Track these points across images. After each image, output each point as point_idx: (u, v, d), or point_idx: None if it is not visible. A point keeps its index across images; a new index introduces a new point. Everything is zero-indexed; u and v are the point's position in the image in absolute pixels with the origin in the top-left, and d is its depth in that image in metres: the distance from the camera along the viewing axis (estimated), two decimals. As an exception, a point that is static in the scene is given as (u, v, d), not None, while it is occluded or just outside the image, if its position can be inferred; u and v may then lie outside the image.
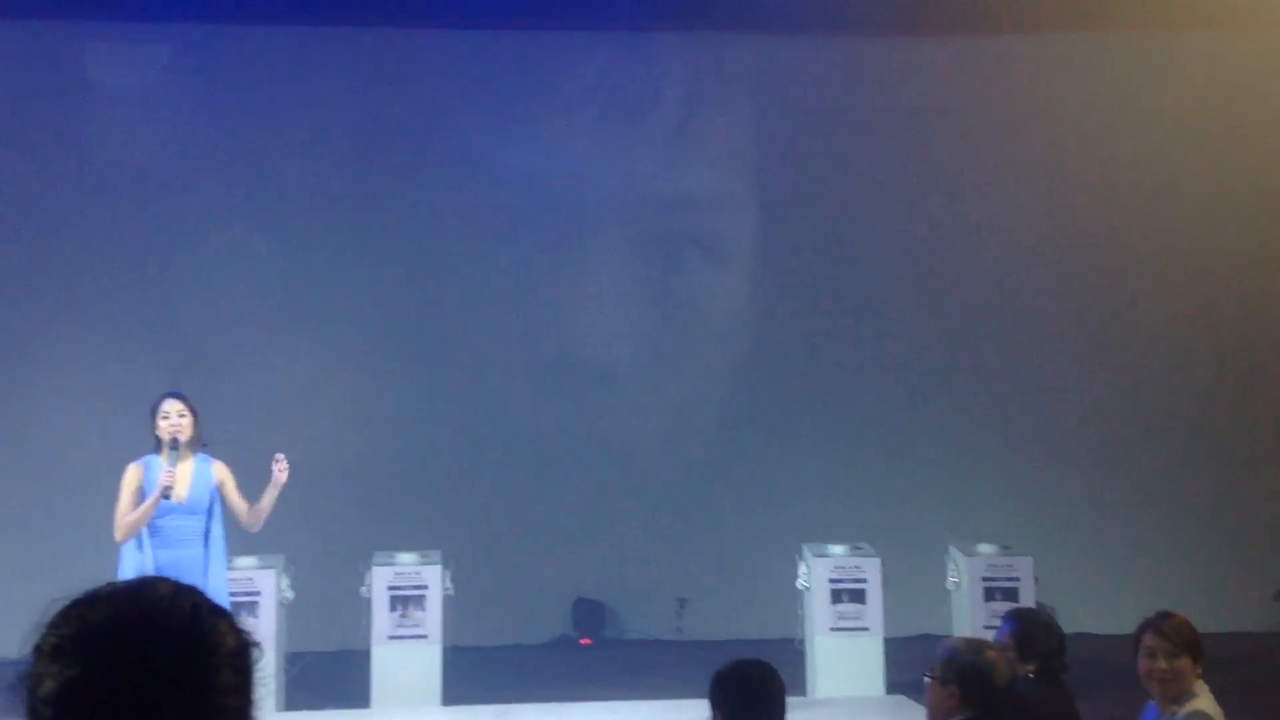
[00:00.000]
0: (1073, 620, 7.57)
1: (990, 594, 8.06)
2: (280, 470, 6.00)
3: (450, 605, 7.93)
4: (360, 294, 9.60)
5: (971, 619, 7.89)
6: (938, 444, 9.79)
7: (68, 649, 1.27)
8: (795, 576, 8.18)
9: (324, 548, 8.39)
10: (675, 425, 9.79)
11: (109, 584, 1.35)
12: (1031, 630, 4.16)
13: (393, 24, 9.53)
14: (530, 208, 9.71)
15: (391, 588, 7.82)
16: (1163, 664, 3.67)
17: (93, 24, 9.41)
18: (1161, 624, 3.72)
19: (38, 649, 1.29)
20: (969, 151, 10.00)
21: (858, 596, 8.03)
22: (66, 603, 1.32)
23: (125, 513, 5.91)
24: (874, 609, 7.99)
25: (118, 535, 5.93)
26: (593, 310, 9.74)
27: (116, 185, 9.46)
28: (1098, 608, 8.86)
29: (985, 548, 8.27)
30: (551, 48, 9.81)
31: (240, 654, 1.32)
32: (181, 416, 5.94)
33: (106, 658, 1.26)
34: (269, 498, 6.04)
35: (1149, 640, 3.70)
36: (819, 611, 7.99)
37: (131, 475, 5.99)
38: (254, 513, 6.06)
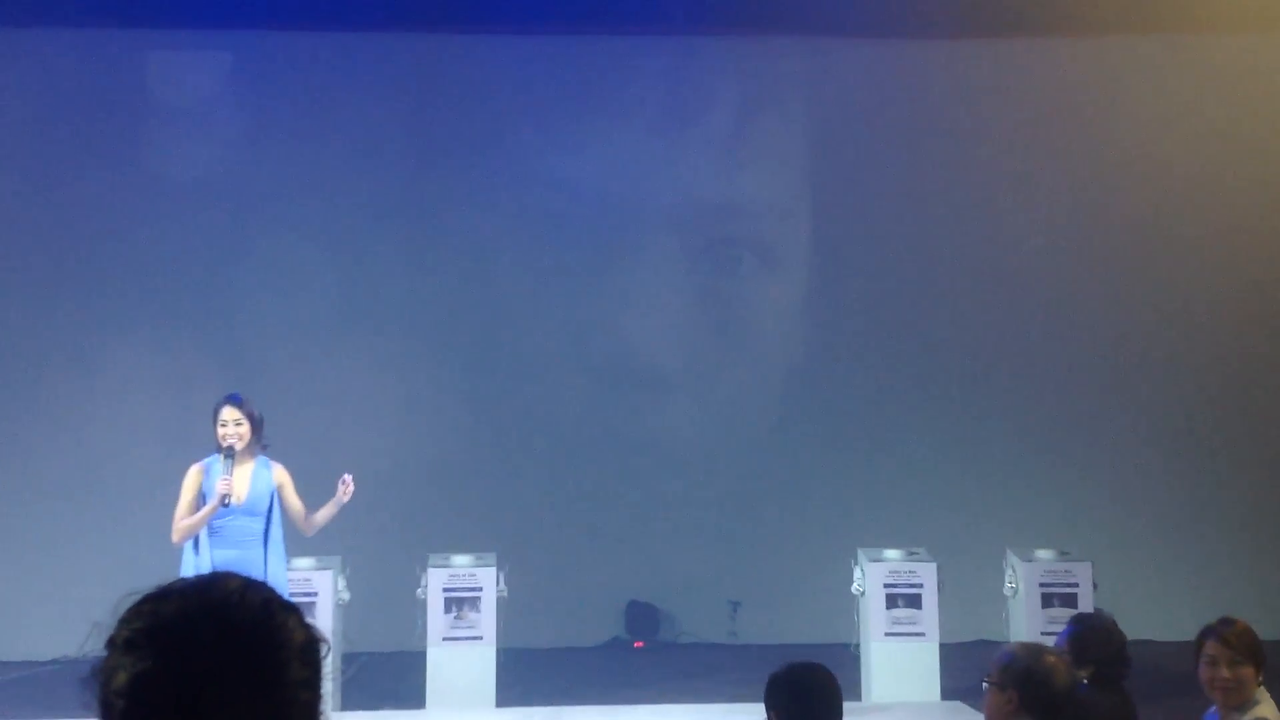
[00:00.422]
0: (1133, 626, 7.40)
1: (1048, 600, 7.98)
2: (345, 492, 6.10)
3: (504, 607, 7.95)
4: (415, 299, 9.65)
5: (1029, 625, 7.80)
6: (995, 448, 9.71)
7: (140, 642, 1.29)
8: (850, 581, 8.13)
9: (380, 549, 8.45)
10: (729, 428, 9.77)
11: (179, 579, 1.38)
12: (1087, 634, 4.11)
13: (446, 30, 9.57)
14: (583, 213, 9.73)
15: (446, 589, 7.86)
16: (1225, 671, 3.62)
17: (151, 32, 9.51)
18: (1224, 631, 3.67)
19: (111, 642, 1.31)
20: (1022, 154, 9.91)
21: (913, 601, 7.97)
22: (138, 597, 1.34)
23: (183, 515, 6.02)
24: (930, 614, 7.93)
25: (174, 537, 6.04)
26: (646, 314, 9.74)
27: (175, 192, 9.56)
28: (1158, 614, 8.75)
29: (1043, 553, 8.18)
30: (604, 53, 9.81)
31: (309, 648, 1.35)
32: (239, 425, 6.04)
33: (179, 650, 1.28)
34: (326, 513, 6.17)
35: (1211, 647, 3.65)
36: (874, 616, 7.94)
37: (192, 477, 6.10)
38: (310, 520, 6.18)
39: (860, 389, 9.79)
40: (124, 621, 1.32)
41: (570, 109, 9.75)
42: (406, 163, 9.72)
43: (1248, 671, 3.62)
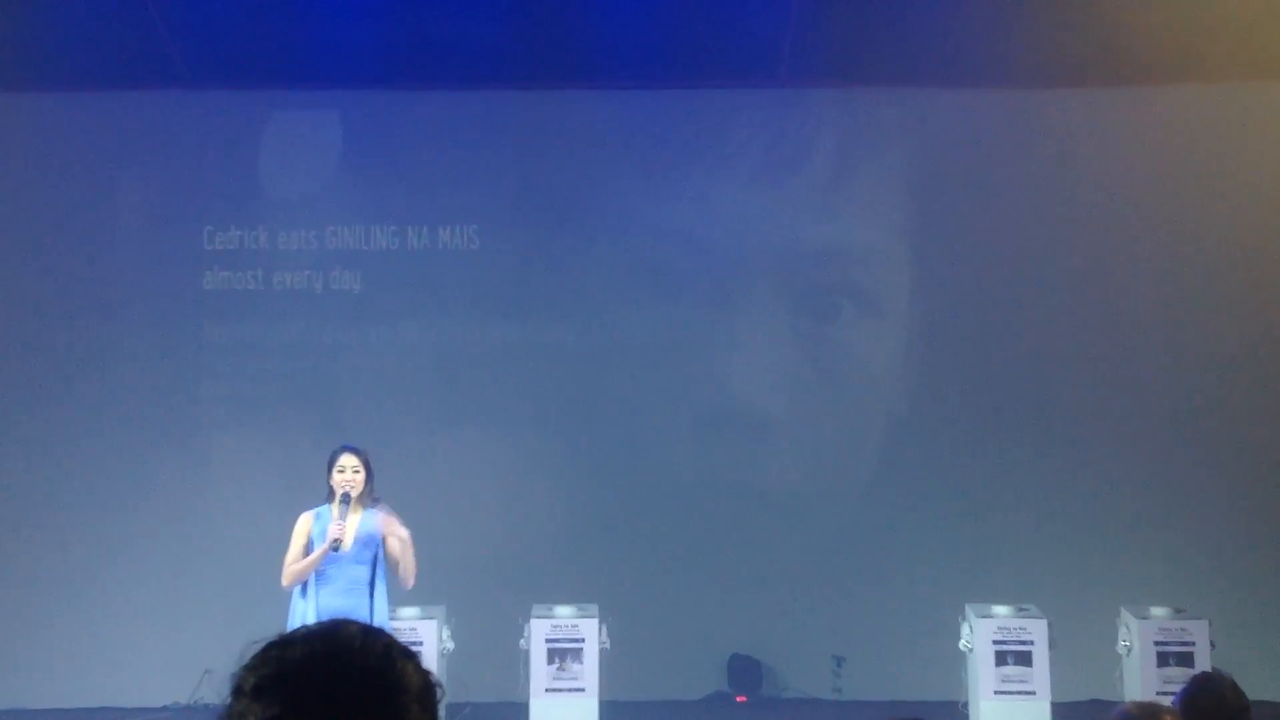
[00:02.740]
0: (1253, 687, 7.21)
1: (1164, 659, 7.77)
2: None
3: (607, 659, 7.94)
4: (518, 349, 9.74)
5: (1144, 684, 7.60)
6: (1109, 501, 9.48)
7: (267, 688, 1.33)
8: (958, 637, 8.00)
9: (484, 599, 8.49)
10: (832, 478, 9.68)
11: (302, 627, 1.43)
12: (1204, 695, 3.97)
13: (547, 86, 9.70)
14: (684, 263, 9.76)
15: (549, 640, 7.88)
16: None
17: (259, 93, 9.75)
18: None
19: (237, 689, 1.35)
20: (1124, 201, 9.73)
21: (1024, 659, 7.81)
22: (263, 645, 1.39)
23: (294, 560, 6.16)
24: (1041, 672, 7.76)
25: (284, 581, 6.18)
26: (747, 362, 9.71)
27: (286, 256, 9.76)
28: (1278, 674, 8.45)
29: (1158, 610, 7.98)
30: (705, 106, 9.87)
31: (427, 693, 1.39)
32: (356, 472, 6.22)
33: (305, 696, 1.32)
34: (395, 557, 6.24)
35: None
36: (983, 674, 7.79)
37: (303, 523, 6.25)
38: (398, 573, 6.28)
39: (965, 439, 9.64)
40: (250, 668, 1.36)
41: (671, 161, 9.81)
42: (510, 219, 9.83)
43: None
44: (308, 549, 6.17)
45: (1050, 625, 7.84)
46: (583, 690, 7.76)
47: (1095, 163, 9.75)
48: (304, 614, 6.01)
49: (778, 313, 9.77)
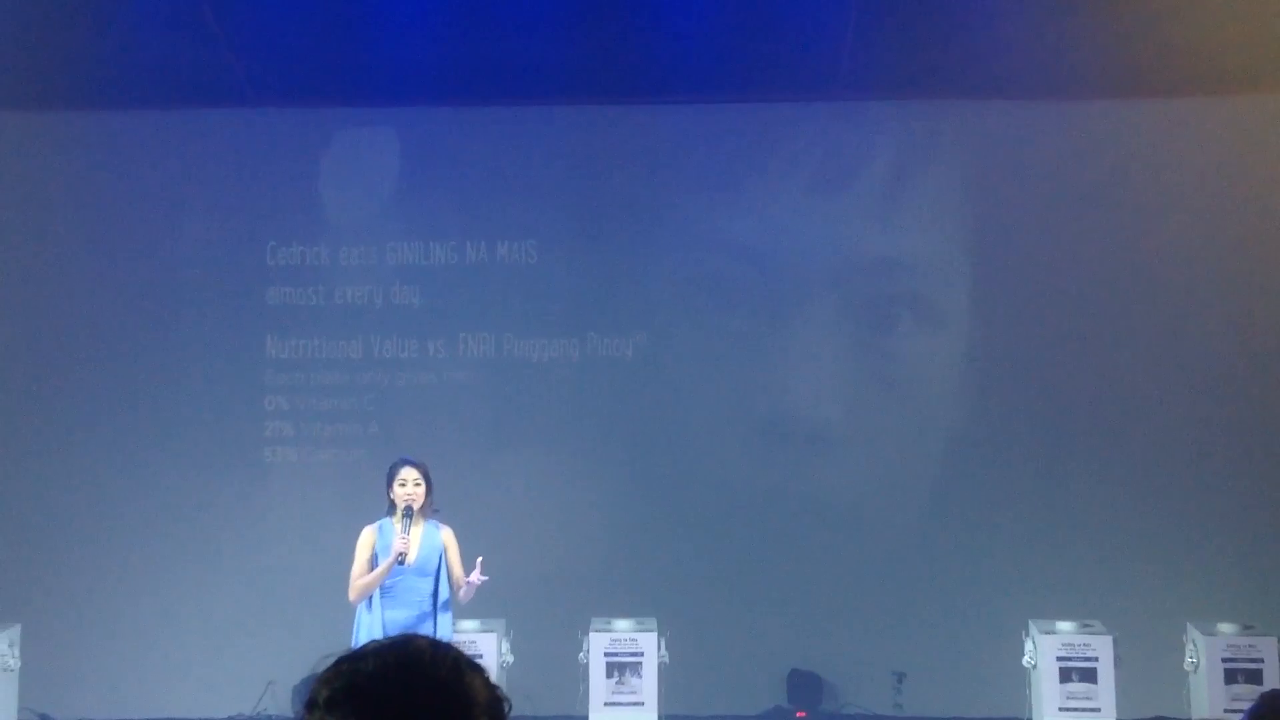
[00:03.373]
0: (1325, 707, 7.08)
1: (1231, 676, 7.66)
2: (476, 576, 6.22)
3: (665, 673, 7.93)
4: (575, 362, 9.76)
5: (1211, 702, 7.49)
6: (1176, 516, 9.32)
7: (341, 700, 1.37)
8: (1021, 653, 7.91)
9: (543, 613, 8.52)
10: (892, 490, 9.60)
11: (372, 641, 1.48)
12: (1272, 714, 3.91)
13: (605, 101, 9.74)
14: (743, 275, 9.75)
15: (608, 654, 7.89)
16: None
17: (317, 111, 9.86)
18: None
19: (311, 702, 1.40)
20: (1185, 211, 9.60)
21: (1088, 676, 7.72)
22: (335, 658, 1.43)
23: (359, 575, 6.24)
24: (1106, 690, 7.66)
25: (351, 596, 6.25)
26: (805, 374, 9.67)
27: (347, 271, 9.85)
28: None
29: (1226, 627, 7.86)
30: (763, 120, 9.85)
31: (495, 706, 1.45)
32: (417, 485, 6.28)
33: (378, 707, 1.36)
34: (465, 594, 6.30)
35: None
36: (1047, 691, 7.71)
37: (366, 537, 6.33)
38: (456, 595, 6.34)
39: (1027, 451, 9.53)
40: (324, 681, 1.40)
41: (728, 175, 9.81)
42: (572, 233, 9.86)
43: None
44: (372, 563, 6.24)
45: (1115, 642, 7.74)
46: (642, 704, 7.76)
47: (1156, 173, 9.63)
48: (369, 627, 6.07)
49: (837, 324, 9.72)
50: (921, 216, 9.77)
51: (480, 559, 6.24)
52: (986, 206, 9.75)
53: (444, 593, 6.29)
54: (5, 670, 8.22)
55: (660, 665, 7.87)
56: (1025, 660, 7.85)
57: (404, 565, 6.13)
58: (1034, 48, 9.02)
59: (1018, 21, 8.92)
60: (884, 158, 9.82)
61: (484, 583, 6.22)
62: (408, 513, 6.19)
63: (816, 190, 9.79)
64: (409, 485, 6.25)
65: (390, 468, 6.41)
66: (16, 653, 8.35)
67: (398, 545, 6.11)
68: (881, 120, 9.85)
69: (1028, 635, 7.89)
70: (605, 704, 7.77)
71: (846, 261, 9.74)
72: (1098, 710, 7.61)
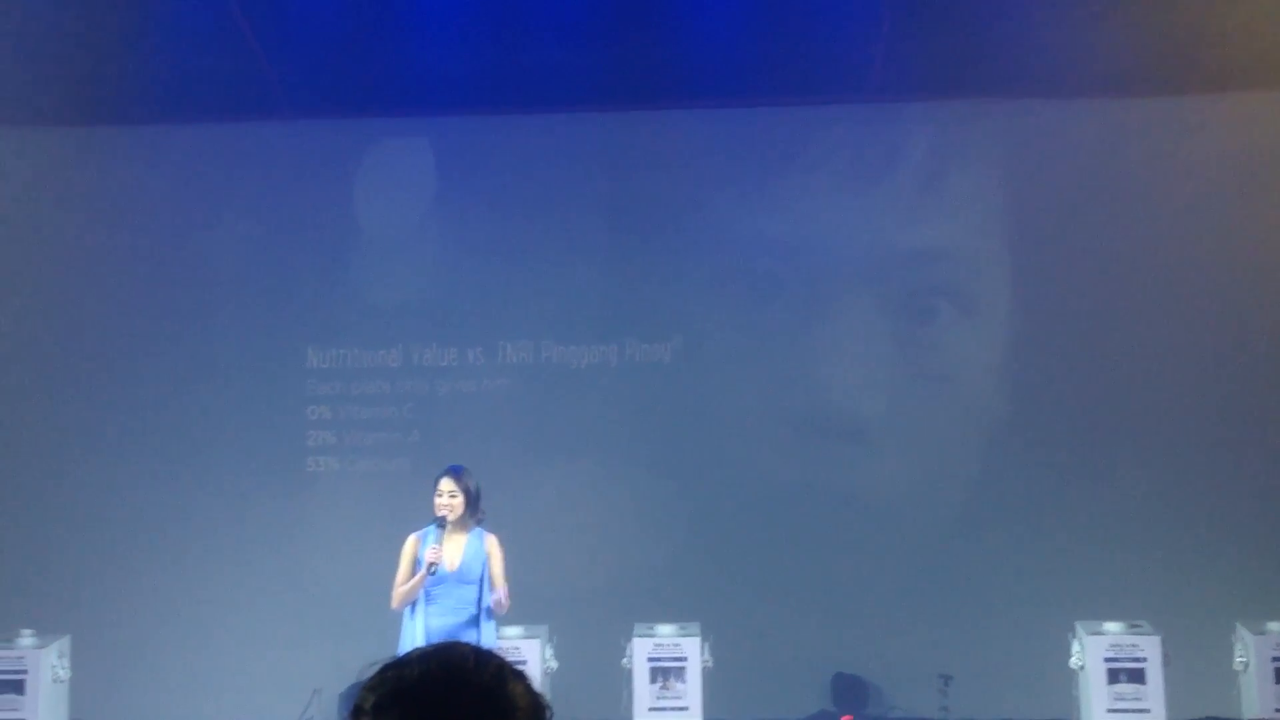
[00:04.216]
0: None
1: (1283, 675, 7.57)
2: (498, 604, 6.31)
3: (709, 678, 7.91)
4: (613, 367, 9.76)
5: (1261, 702, 7.41)
6: (1224, 513, 9.22)
7: (387, 705, 1.41)
8: (1068, 655, 7.85)
9: (586, 618, 8.52)
10: (934, 489, 9.53)
11: (416, 649, 1.51)
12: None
13: (641, 107, 9.75)
14: (780, 274, 9.71)
15: (651, 659, 7.88)
16: None
17: (351, 121, 9.92)
18: None
19: (357, 709, 1.44)
20: (1226, 206, 9.50)
21: (1136, 676, 7.64)
22: (380, 665, 1.47)
23: (400, 582, 6.34)
24: (1155, 690, 7.59)
25: (393, 603, 6.36)
26: (844, 370, 9.61)
27: (388, 283, 9.90)
28: None
29: (1275, 625, 7.77)
30: (796, 122, 9.83)
31: (537, 712, 1.47)
32: (453, 496, 6.38)
33: (422, 712, 1.40)
34: (495, 605, 6.37)
35: None
36: (1095, 692, 7.64)
37: (409, 546, 6.44)
38: (491, 601, 6.39)
39: (1072, 446, 9.42)
40: (370, 688, 1.44)
41: (765, 176, 9.79)
42: (606, 238, 9.87)
43: None
44: (413, 571, 6.31)
45: (1164, 641, 7.66)
46: (686, 709, 7.75)
47: (1195, 168, 9.54)
48: (413, 634, 6.14)
49: (874, 321, 9.67)
50: (958, 211, 9.71)
51: (504, 588, 6.31)
52: (1023, 201, 9.68)
53: (488, 599, 6.35)
54: (56, 680, 8.31)
55: (704, 670, 7.86)
56: (1072, 662, 7.79)
57: (435, 574, 6.21)
58: (1067, 45, 8.95)
59: (1049, 20, 8.86)
60: (920, 156, 9.77)
61: (505, 607, 6.33)
62: (441, 523, 6.30)
63: (851, 188, 9.76)
64: (444, 496, 6.36)
65: (435, 478, 6.51)
66: (66, 663, 8.43)
67: (428, 555, 6.22)
68: (916, 120, 9.81)
69: (1074, 636, 7.82)
70: (649, 709, 7.76)
71: (883, 257, 9.68)
72: (1147, 711, 7.53)
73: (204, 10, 8.65)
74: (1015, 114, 9.65)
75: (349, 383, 9.82)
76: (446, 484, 6.39)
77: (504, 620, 7.03)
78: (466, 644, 1.51)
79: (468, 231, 9.90)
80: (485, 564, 6.35)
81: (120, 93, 9.36)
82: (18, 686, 8.12)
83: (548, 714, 1.48)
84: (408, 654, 1.48)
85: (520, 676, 1.49)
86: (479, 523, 6.43)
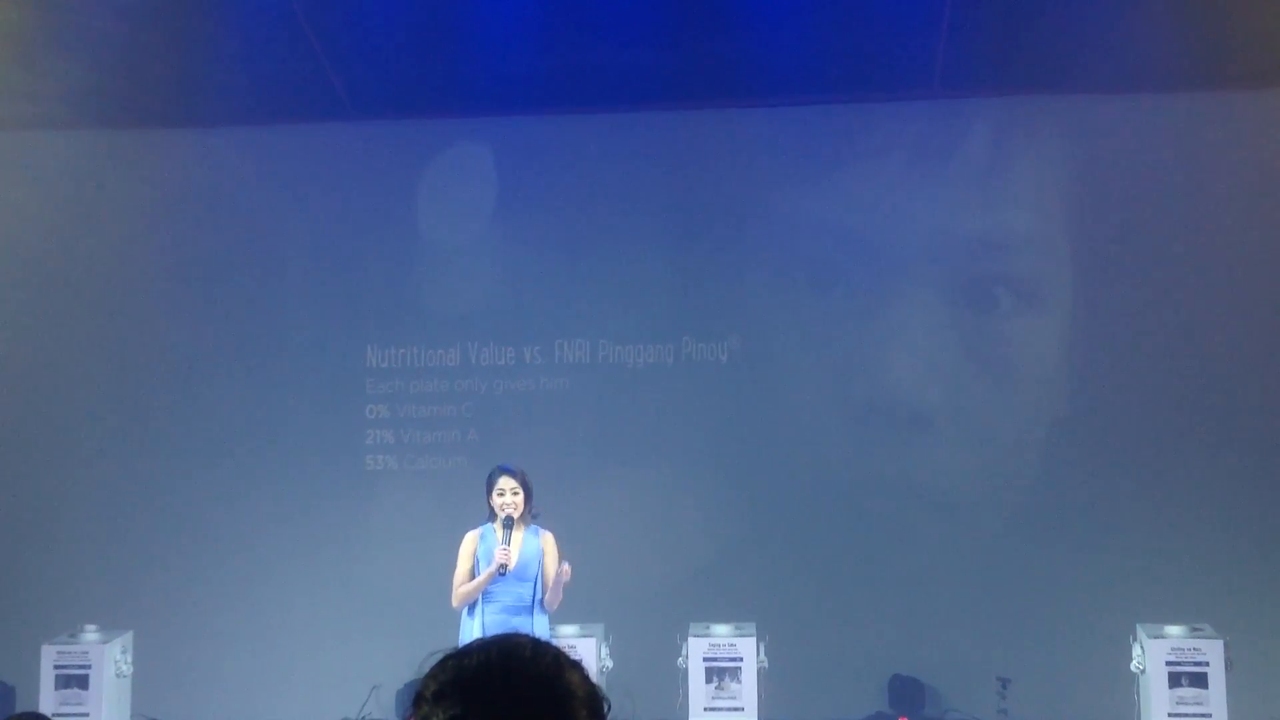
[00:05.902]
0: None
1: (1350, 680, 7.44)
2: (564, 572, 6.37)
3: (765, 678, 7.89)
4: (672, 365, 9.76)
5: (1329, 708, 7.28)
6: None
7: (448, 693, 1.46)
8: (1129, 658, 7.76)
9: (642, 617, 8.53)
10: (994, 485, 9.41)
11: (477, 640, 1.57)
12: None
13: (702, 106, 9.75)
14: (838, 269, 9.66)
15: (707, 659, 7.87)
16: None
17: (416, 122, 9.99)
18: None
19: (419, 696, 1.49)
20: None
21: (1199, 681, 7.54)
22: (441, 655, 1.53)
23: (461, 581, 6.34)
24: (1217, 695, 7.47)
25: (454, 602, 6.37)
26: (904, 358, 9.54)
27: (448, 282, 9.95)
28: None
29: (1344, 631, 7.64)
30: (860, 119, 9.78)
31: (594, 701, 1.51)
32: (515, 494, 6.37)
33: (483, 698, 1.45)
34: (551, 596, 6.38)
35: None
36: (1156, 697, 7.54)
37: (468, 544, 6.44)
38: (546, 600, 6.40)
39: (1134, 442, 9.28)
40: (431, 676, 1.49)
41: (826, 173, 9.74)
42: (670, 237, 9.87)
43: None
44: (474, 569, 6.33)
45: (1227, 645, 7.55)
46: (741, 710, 7.73)
47: (1260, 162, 9.39)
48: (470, 632, 6.18)
49: (936, 313, 9.58)
50: (1020, 195, 9.62)
51: (565, 565, 6.33)
52: (1085, 196, 9.57)
53: (541, 595, 6.39)
54: (119, 676, 8.44)
55: (760, 670, 7.84)
56: (1133, 665, 7.69)
57: (504, 574, 6.22)
58: (1129, 40, 8.85)
59: (1109, 15, 8.76)
60: (984, 151, 9.69)
61: (568, 581, 6.31)
62: (508, 523, 6.28)
63: (913, 182, 9.69)
64: (507, 495, 6.34)
65: (489, 475, 6.50)
66: (129, 659, 8.56)
67: (499, 556, 6.20)
68: (980, 115, 9.73)
69: (1135, 639, 7.72)
70: (705, 709, 7.76)
71: (943, 240, 9.59)
72: (1208, 716, 7.42)
73: (269, 14, 8.74)
74: (1076, 109, 9.55)
75: (408, 382, 9.90)
76: (507, 481, 6.38)
77: (559, 618, 7.06)
78: (525, 635, 1.56)
79: (527, 231, 9.93)
80: (541, 561, 6.37)
81: (189, 96, 9.50)
82: (82, 681, 8.26)
83: (605, 705, 1.52)
84: (468, 644, 1.53)
85: (577, 666, 1.53)
86: (534, 519, 6.45)
